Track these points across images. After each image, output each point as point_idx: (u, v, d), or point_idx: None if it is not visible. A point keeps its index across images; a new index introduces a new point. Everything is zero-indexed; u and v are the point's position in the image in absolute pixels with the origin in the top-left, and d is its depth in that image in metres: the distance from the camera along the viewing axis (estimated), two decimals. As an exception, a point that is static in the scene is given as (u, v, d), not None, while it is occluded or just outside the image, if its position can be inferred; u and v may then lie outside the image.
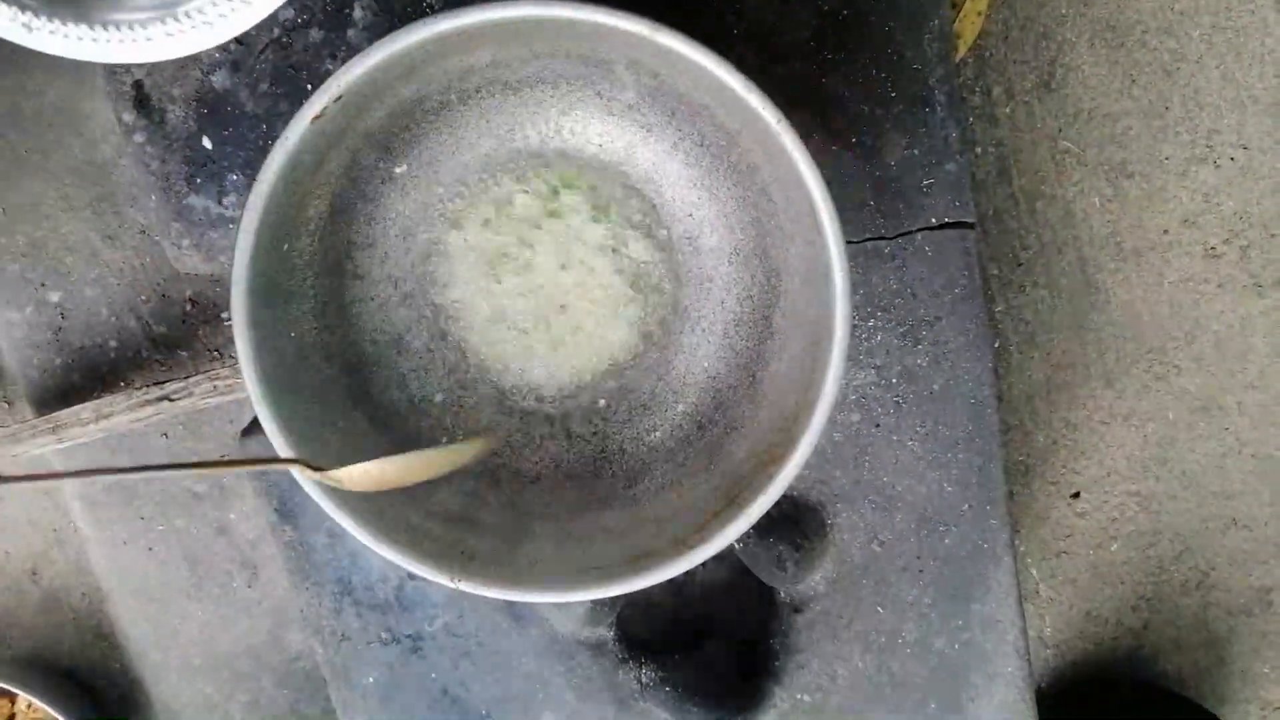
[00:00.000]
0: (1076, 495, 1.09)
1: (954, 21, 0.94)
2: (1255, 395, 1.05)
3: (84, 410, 0.95)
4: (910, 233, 0.74)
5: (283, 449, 0.61)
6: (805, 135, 0.71)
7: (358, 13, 0.71)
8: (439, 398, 0.72)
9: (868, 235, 0.74)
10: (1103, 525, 1.10)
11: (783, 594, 0.83)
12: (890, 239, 0.74)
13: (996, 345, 1.05)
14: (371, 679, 0.86)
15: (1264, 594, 1.10)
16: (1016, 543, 1.11)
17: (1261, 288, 1.01)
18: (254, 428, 0.82)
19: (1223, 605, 1.11)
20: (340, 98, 0.56)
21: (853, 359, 0.77)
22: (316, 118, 0.56)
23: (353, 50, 0.71)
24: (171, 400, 0.94)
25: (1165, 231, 1.00)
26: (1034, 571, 1.11)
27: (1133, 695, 1.12)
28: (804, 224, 0.59)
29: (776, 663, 0.85)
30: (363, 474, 0.58)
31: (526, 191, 0.69)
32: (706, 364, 0.71)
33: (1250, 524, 1.08)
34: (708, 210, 0.68)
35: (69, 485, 1.09)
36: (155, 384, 0.96)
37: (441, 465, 0.63)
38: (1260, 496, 1.07)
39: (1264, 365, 1.04)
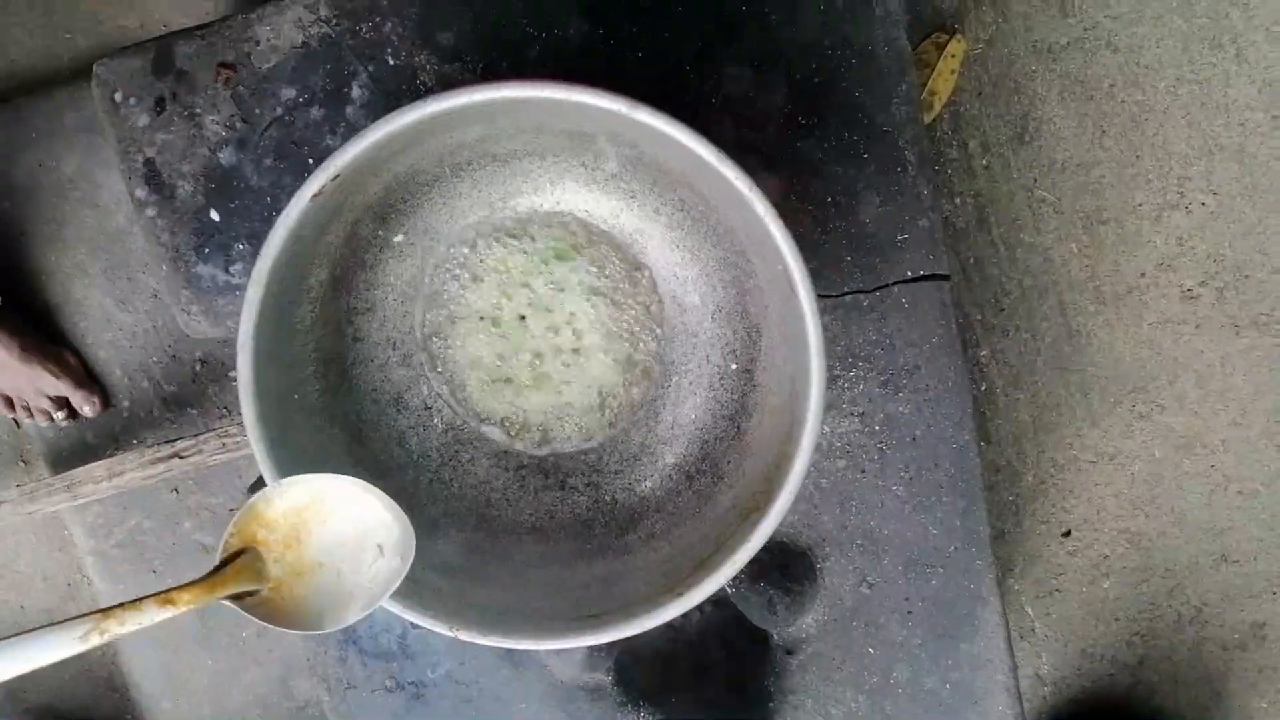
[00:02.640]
0: (1067, 534, 1.11)
1: (928, 79, 0.98)
2: (1239, 432, 1.07)
3: (97, 468, 0.99)
4: (887, 285, 0.77)
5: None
6: (782, 197, 0.75)
7: (356, 91, 0.75)
8: (437, 454, 0.75)
9: (846, 290, 0.77)
10: (1094, 563, 1.11)
11: (776, 637, 0.85)
12: (868, 292, 0.77)
13: (983, 388, 1.08)
14: (377, 728, 0.88)
15: (1258, 628, 1.11)
16: (1010, 581, 1.13)
17: (1239, 327, 1.04)
18: (261, 484, 0.85)
19: (1217, 640, 1.12)
20: (338, 176, 0.59)
21: (836, 407, 0.79)
22: (315, 195, 0.60)
23: (351, 126, 0.75)
24: (182, 457, 0.97)
25: (1142, 275, 1.03)
26: (1029, 610, 1.13)
27: (1132, 732, 1.13)
28: (779, 283, 0.62)
29: (771, 705, 0.86)
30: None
31: (520, 255, 0.73)
32: (694, 416, 0.74)
33: (1240, 559, 1.09)
34: (690, 270, 0.72)
35: (82, 541, 1.12)
36: (166, 441, 0.99)
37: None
38: (1248, 532, 1.09)
39: (1245, 403, 1.06)
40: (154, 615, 0.49)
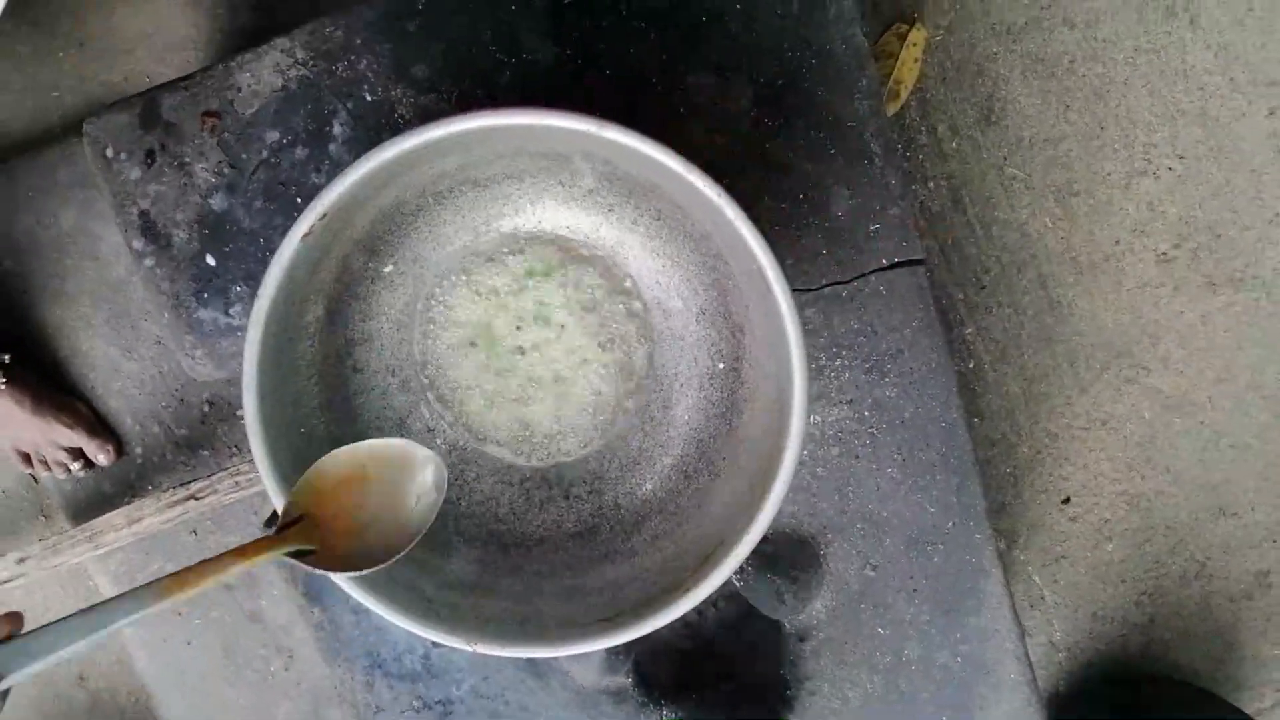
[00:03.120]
0: (1067, 501, 1.13)
1: (893, 69, 1.01)
2: (1225, 388, 1.09)
3: (116, 516, 1.01)
4: (864, 275, 0.79)
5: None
6: (755, 197, 0.77)
7: (337, 129, 0.78)
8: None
9: (824, 282, 0.79)
10: (1096, 527, 1.13)
11: (787, 626, 0.87)
12: (846, 283, 0.79)
13: (971, 365, 1.10)
14: (407, 746, 0.90)
15: (1262, 577, 1.13)
16: (1015, 552, 1.15)
17: (1216, 285, 1.06)
18: (275, 518, 0.87)
19: (1223, 593, 1.14)
20: (325, 215, 0.62)
21: (825, 397, 0.81)
22: (306, 235, 0.62)
23: (335, 163, 0.78)
24: (197, 499, 0.99)
25: (1117, 242, 1.05)
26: (1036, 578, 1.15)
27: (1149, 690, 1.14)
28: (755, 282, 0.64)
29: (789, 692, 0.89)
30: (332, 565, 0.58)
31: (507, 276, 0.75)
32: (687, 416, 0.77)
33: (1238, 511, 1.11)
34: (672, 276, 0.74)
35: (108, 589, 1.14)
36: (181, 484, 1.01)
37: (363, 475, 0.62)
38: (1243, 484, 1.11)
39: (1229, 359, 1.08)
40: (230, 568, 0.53)
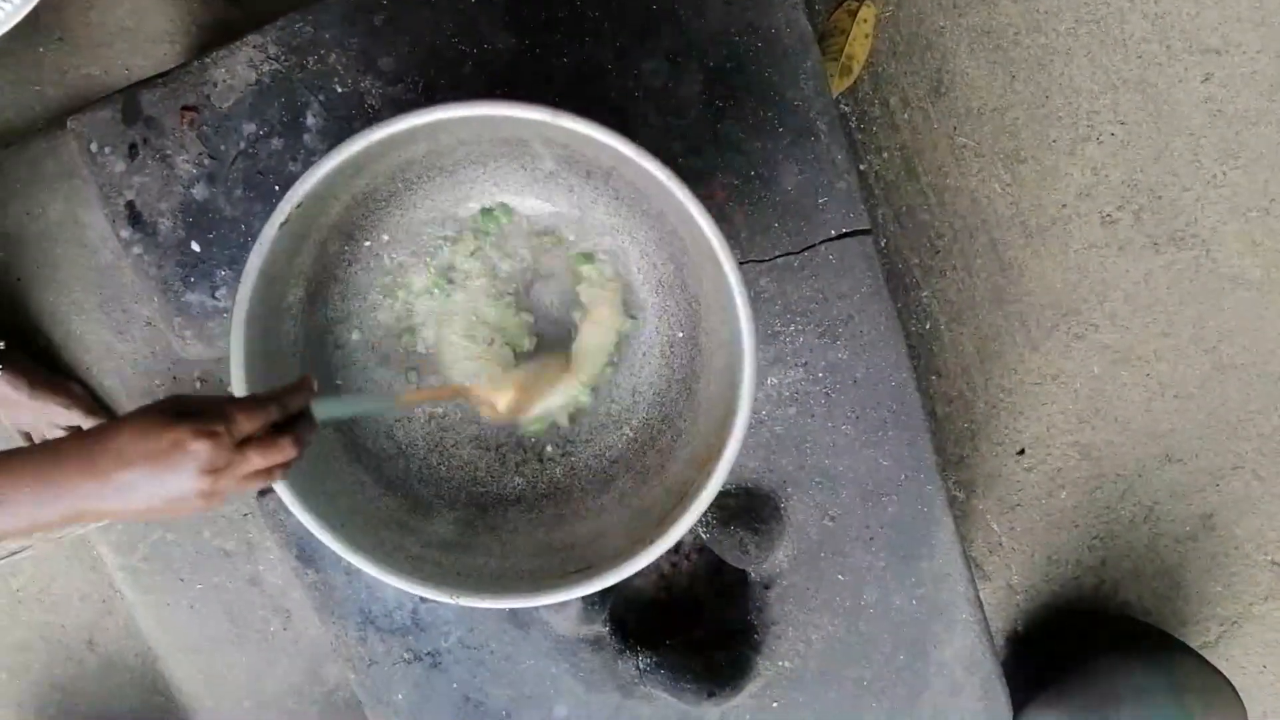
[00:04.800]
0: (1021, 452, 1.19)
1: (845, 45, 1.05)
2: (1169, 341, 1.14)
3: (117, 490, 1.06)
4: (814, 245, 0.84)
5: (295, 507, 0.70)
6: (708, 175, 0.82)
7: (310, 120, 0.82)
8: (423, 442, 0.82)
9: (777, 253, 0.84)
10: (1050, 476, 1.19)
11: (753, 574, 0.93)
12: (797, 253, 0.84)
13: (928, 327, 1.15)
14: (401, 696, 0.96)
15: (1206, 519, 1.19)
16: (974, 502, 1.21)
17: (1158, 245, 1.11)
18: (268, 489, 0.92)
19: (1170, 534, 1.20)
20: (301, 204, 0.66)
21: (780, 360, 0.87)
22: (283, 223, 0.67)
23: (310, 152, 0.82)
24: (193, 471, 1.04)
25: (1063, 206, 1.10)
26: (994, 526, 1.21)
27: (1102, 627, 1.21)
28: (707, 258, 0.69)
29: (756, 636, 0.94)
30: (510, 385, 0.77)
31: (475, 254, 0.80)
32: (651, 382, 0.82)
33: (1183, 457, 1.18)
34: (632, 252, 0.79)
35: (110, 558, 1.20)
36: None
37: (557, 373, 0.81)
38: (1188, 432, 1.17)
39: (1172, 314, 1.13)
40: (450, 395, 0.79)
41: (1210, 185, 1.09)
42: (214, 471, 0.55)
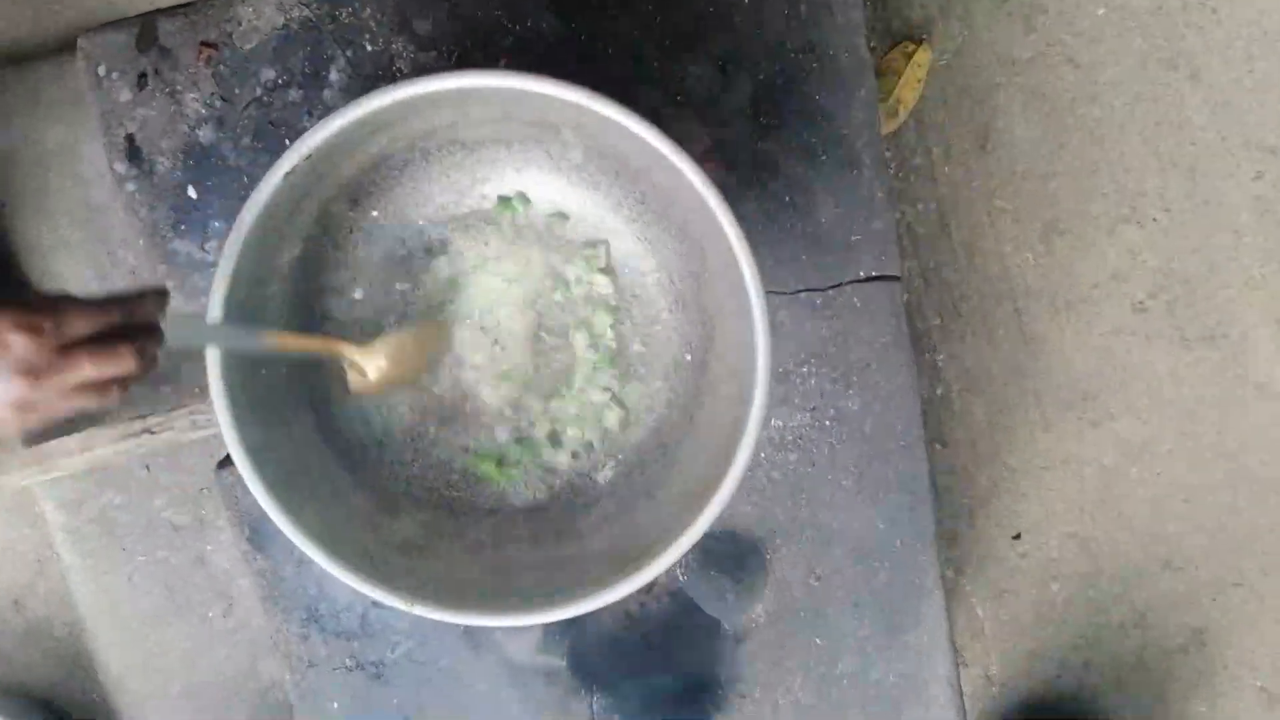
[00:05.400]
0: (1018, 536, 1.14)
1: (895, 87, 1.01)
2: (1186, 442, 1.10)
3: (70, 442, 1.00)
4: (841, 285, 0.80)
5: (252, 482, 0.65)
6: (741, 194, 0.78)
7: (334, 75, 0.77)
8: (400, 435, 0.77)
9: (800, 288, 0.80)
10: (1044, 565, 1.14)
11: (726, 625, 0.88)
12: (822, 291, 0.80)
13: (939, 392, 1.10)
14: (336, 705, 0.90)
15: (1198, 634, 1.14)
16: (962, 582, 1.16)
17: (1188, 341, 1.07)
18: (229, 460, 0.86)
19: (1160, 645, 1.15)
20: (310, 156, 0.62)
21: (788, 402, 0.82)
22: (289, 174, 0.62)
23: (328, 109, 0.77)
24: (153, 433, 0.98)
25: (1095, 286, 1.06)
26: (979, 610, 1.16)
27: (1077, 733, 1.16)
28: (731, 277, 0.64)
29: (720, 691, 0.89)
30: (380, 350, 0.70)
31: (485, 245, 0.75)
32: (648, 404, 0.77)
33: (1183, 565, 1.13)
34: (650, 262, 0.74)
35: (53, 516, 1.14)
36: (138, 417, 1.01)
37: (435, 343, 0.75)
38: (1193, 539, 1.12)
39: (1193, 414, 1.09)
40: (321, 346, 0.70)
41: (1248, 286, 1.06)
42: (32, 375, 0.46)
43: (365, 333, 0.75)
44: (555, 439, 0.78)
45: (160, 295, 0.55)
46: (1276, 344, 1.07)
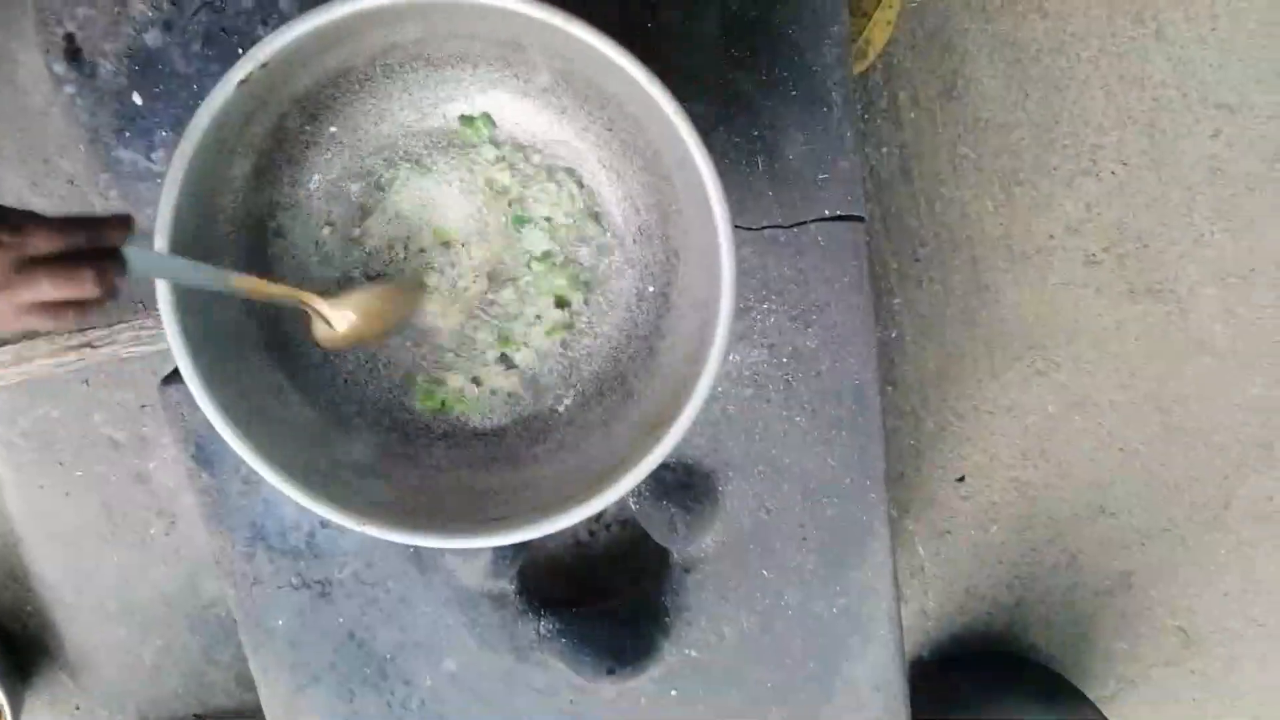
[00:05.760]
0: (961, 479, 1.17)
1: (865, 28, 1.00)
2: (1126, 394, 1.13)
3: (4, 354, 0.97)
4: (805, 223, 0.79)
5: (201, 398, 0.64)
6: (710, 127, 0.77)
7: (291, -18, 0.74)
8: (353, 355, 0.76)
9: (765, 224, 0.79)
10: (984, 509, 1.18)
11: (675, 555, 0.89)
12: (786, 228, 0.79)
13: (893, 335, 1.12)
14: (281, 622, 0.90)
15: (1126, 577, 1.19)
16: (905, 522, 1.19)
17: (1135, 294, 1.10)
18: (175, 376, 0.84)
19: (1089, 586, 1.20)
20: (266, 64, 0.59)
21: (747, 338, 0.82)
22: (242, 82, 0.59)
23: (284, 18, 0.74)
24: (94, 347, 0.96)
25: (1051, 237, 1.08)
26: (920, 549, 1.19)
27: (1005, 666, 1.20)
28: (699, 208, 0.64)
29: (667, 619, 0.90)
30: (350, 305, 0.68)
31: (447, 163, 0.73)
32: (610, 333, 0.76)
33: (1117, 512, 1.17)
34: (615, 191, 0.73)
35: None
36: (78, 331, 0.98)
37: (408, 303, 0.73)
38: (1127, 487, 1.16)
39: (1135, 367, 1.12)
40: (287, 294, 0.66)
41: (1197, 244, 1.08)
42: None
43: (319, 252, 0.73)
44: (507, 361, 0.77)
45: (124, 221, 0.54)
46: (1220, 302, 1.10)
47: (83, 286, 0.49)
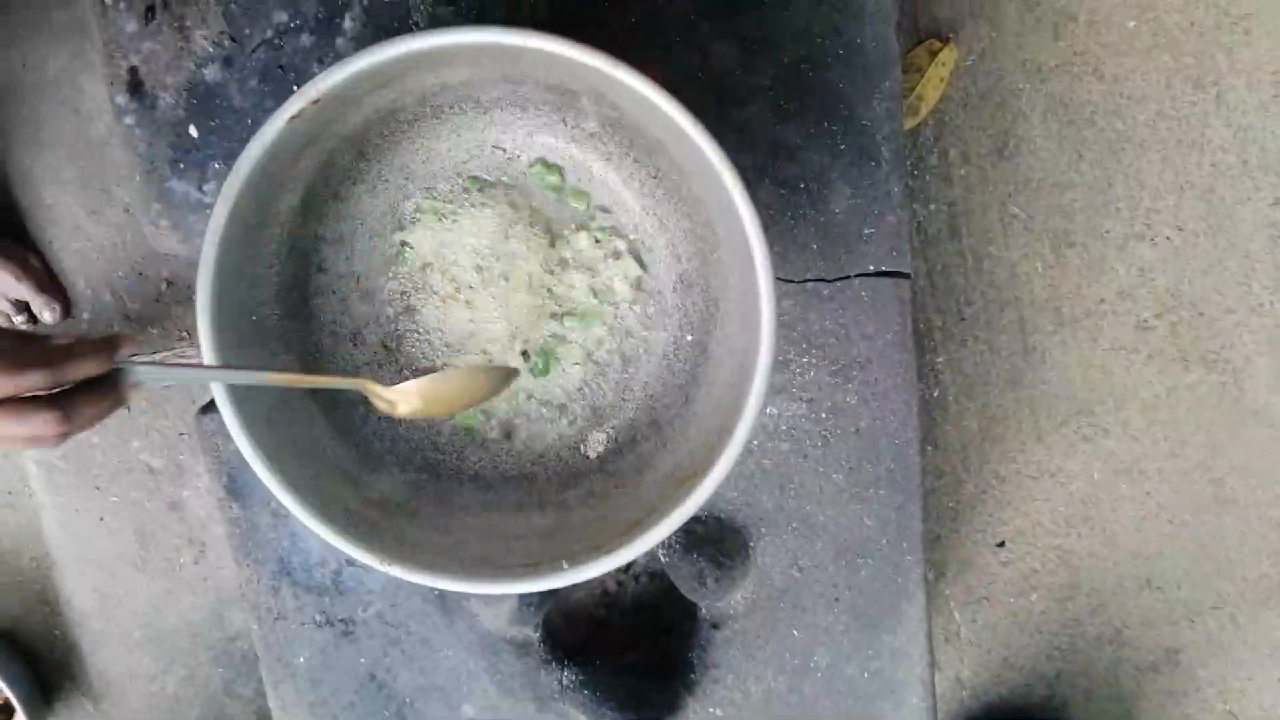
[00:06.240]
0: (1002, 544, 1.13)
1: (918, 84, 1.00)
2: (1175, 463, 1.10)
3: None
4: (849, 277, 0.78)
5: (234, 427, 0.64)
6: (757, 177, 0.76)
7: (348, 23, 0.75)
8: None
9: (808, 276, 0.78)
10: (1025, 575, 1.14)
11: (704, 610, 0.87)
12: (829, 282, 0.78)
13: (935, 394, 1.10)
14: (303, 659, 0.89)
15: (1172, 654, 1.14)
16: (941, 585, 1.16)
17: (1188, 362, 1.07)
18: (211, 406, 0.85)
19: (1133, 662, 1.15)
20: (318, 101, 0.60)
21: (785, 391, 0.81)
22: (294, 117, 0.60)
23: (339, 57, 0.75)
24: (137, 373, 0.96)
25: (1101, 301, 1.05)
26: (956, 615, 1.15)
27: (1042, 744, 1.16)
28: (741, 258, 0.63)
29: (693, 675, 0.88)
30: (415, 391, 0.66)
31: (492, 205, 0.73)
32: (645, 381, 0.75)
33: (1163, 585, 1.13)
34: (658, 239, 0.73)
35: (28, 449, 1.12)
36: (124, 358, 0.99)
37: (484, 390, 0.69)
38: (1174, 560, 1.12)
39: (1186, 436, 1.09)
40: (342, 383, 0.67)
41: (1254, 312, 1.05)
42: None
43: (360, 287, 0.74)
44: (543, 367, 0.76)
45: (107, 350, 0.53)
46: (1276, 373, 1.07)
47: (39, 428, 0.48)
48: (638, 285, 0.74)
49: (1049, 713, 1.17)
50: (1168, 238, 1.04)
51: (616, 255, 0.74)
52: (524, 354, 0.76)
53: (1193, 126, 1.01)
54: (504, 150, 0.72)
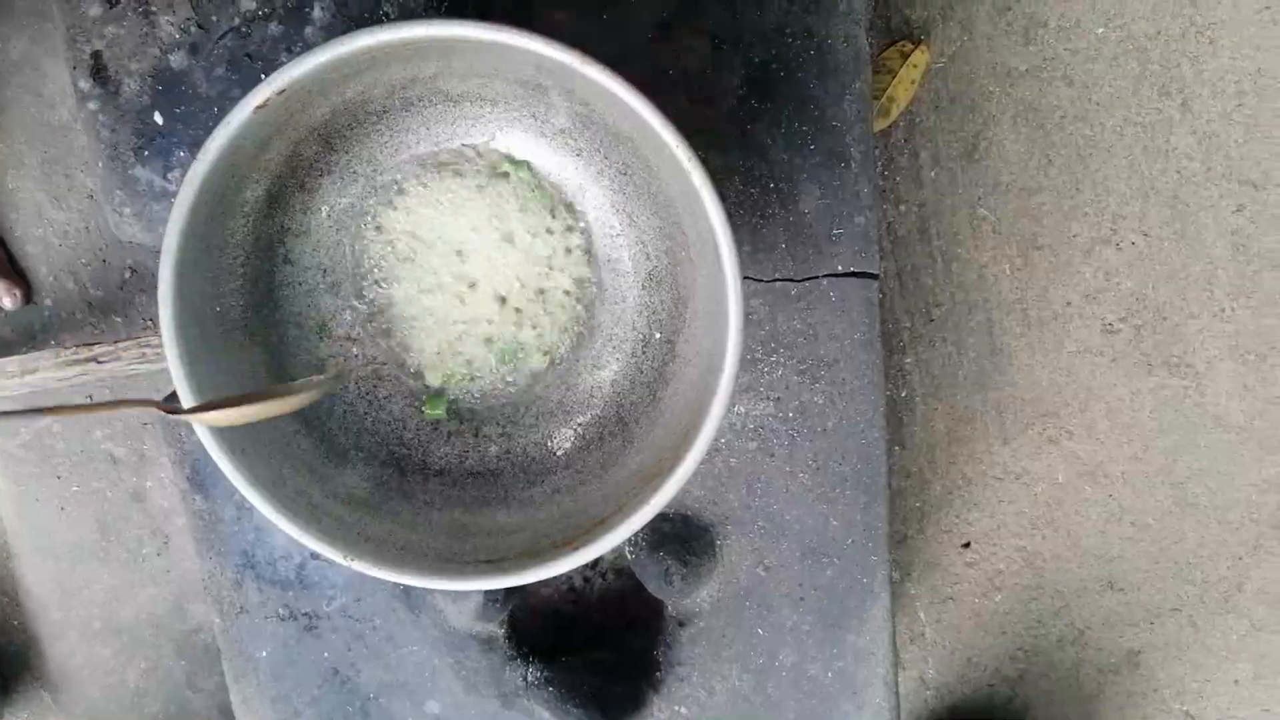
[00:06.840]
0: (967, 545, 1.14)
1: (889, 85, 1.00)
2: (1138, 466, 1.11)
3: (10, 363, 0.97)
4: (817, 278, 0.79)
5: (195, 420, 0.63)
6: (726, 176, 0.76)
7: (317, 12, 0.75)
8: (354, 386, 0.75)
9: (777, 276, 0.78)
10: (989, 576, 1.15)
11: (670, 608, 0.87)
12: (798, 282, 0.79)
13: (903, 394, 1.10)
14: (265, 653, 0.88)
15: (1133, 655, 1.16)
16: (907, 585, 1.17)
17: (1152, 366, 1.08)
18: (174, 397, 0.84)
19: (1094, 663, 1.16)
20: (284, 91, 0.59)
21: (753, 390, 0.81)
22: (260, 107, 0.59)
23: (308, 47, 0.74)
24: (99, 362, 0.95)
25: (1068, 304, 1.06)
26: (921, 614, 1.16)
27: (1004, 743, 1.17)
28: (709, 257, 0.63)
29: (658, 674, 0.88)
30: (221, 415, 0.60)
31: (459, 195, 0.73)
32: (612, 379, 0.75)
33: (1125, 587, 1.14)
34: (626, 236, 0.73)
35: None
36: (84, 345, 0.97)
37: (290, 404, 0.63)
38: (1136, 563, 1.13)
39: (1148, 439, 1.10)
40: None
41: (1216, 318, 1.06)
42: None
43: (327, 280, 0.73)
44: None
45: None
46: (1238, 378, 1.08)
47: None
48: (604, 283, 0.74)
49: (1012, 713, 1.18)
50: (1133, 243, 1.05)
51: (584, 251, 0.74)
52: (489, 347, 0.75)
53: (1159, 133, 1.02)
54: (473, 144, 0.72)
